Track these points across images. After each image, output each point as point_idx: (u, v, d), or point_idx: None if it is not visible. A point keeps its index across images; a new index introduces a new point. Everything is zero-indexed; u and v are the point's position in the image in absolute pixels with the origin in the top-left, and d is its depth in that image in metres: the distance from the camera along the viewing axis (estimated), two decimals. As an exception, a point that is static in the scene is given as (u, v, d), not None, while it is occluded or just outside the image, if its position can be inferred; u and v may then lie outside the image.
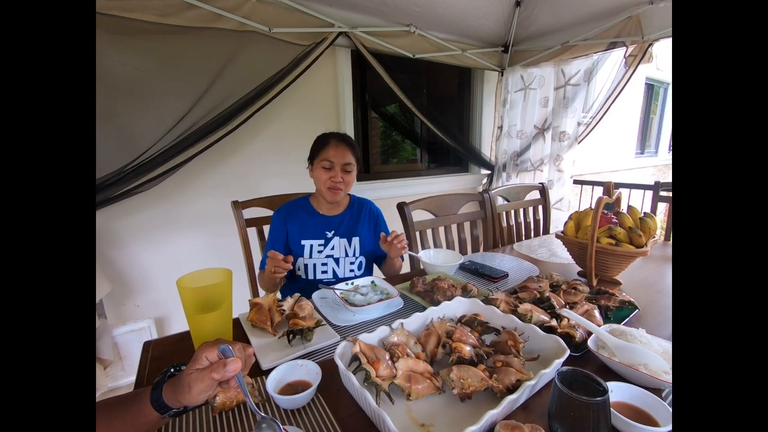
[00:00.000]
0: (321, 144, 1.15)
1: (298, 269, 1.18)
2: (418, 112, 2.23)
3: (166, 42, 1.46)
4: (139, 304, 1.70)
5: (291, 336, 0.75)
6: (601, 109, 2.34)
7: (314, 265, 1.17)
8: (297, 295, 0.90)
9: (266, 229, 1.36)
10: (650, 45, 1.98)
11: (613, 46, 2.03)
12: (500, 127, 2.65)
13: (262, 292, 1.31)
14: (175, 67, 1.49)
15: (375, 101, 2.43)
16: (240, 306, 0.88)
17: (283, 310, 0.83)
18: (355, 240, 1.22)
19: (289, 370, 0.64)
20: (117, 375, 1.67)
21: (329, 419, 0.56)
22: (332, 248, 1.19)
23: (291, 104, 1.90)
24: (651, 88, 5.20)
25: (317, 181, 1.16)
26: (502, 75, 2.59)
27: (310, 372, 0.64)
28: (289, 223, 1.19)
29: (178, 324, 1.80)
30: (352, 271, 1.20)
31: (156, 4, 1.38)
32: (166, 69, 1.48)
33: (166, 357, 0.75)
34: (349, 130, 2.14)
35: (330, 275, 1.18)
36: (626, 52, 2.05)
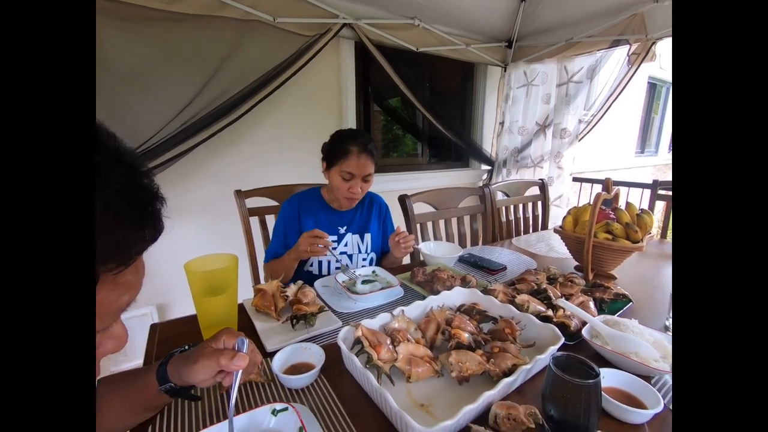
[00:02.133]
0: (341, 151, 1.07)
1: (311, 265, 1.18)
2: (420, 105, 2.23)
3: (171, 30, 1.46)
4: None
5: (295, 321, 0.77)
6: (602, 107, 2.35)
7: (328, 261, 1.17)
8: (300, 282, 0.92)
9: (268, 218, 1.38)
10: (654, 43, 1.98)
11: (616, 43, 2.03)
12: (502, 123, 2.65)
13: (262, 280, 1.34)
14: (179, 55, 1.50)
15: (377, 94, 2.43)
16: (242, 293, 0.90)
17: (287, 296, 0.85)
18: (367, 236, 1.23)
19: (294, 352, 0.66)
20: (119, 360, 1.70)
21: (332, 398, 0.59)
22: (345, 245, 1.19)
23: (294, 94, 1.90)
24: (653, 87, 5.20)
25: (334, 189, 1.12)
26: (504, 71, 2.59)
27: (314, 354, 0.66)
28: (302, 215, 1.17)
29: (180, 310, 1.82)
30: (364, 267, 1.21)
31: (161, -9, 1.38)
32: (170, 57, 1.48)
33: (173, 339, 0.77)
34: (351, 122, 2.14)
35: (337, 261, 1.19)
36: (629, 50, 2.06)
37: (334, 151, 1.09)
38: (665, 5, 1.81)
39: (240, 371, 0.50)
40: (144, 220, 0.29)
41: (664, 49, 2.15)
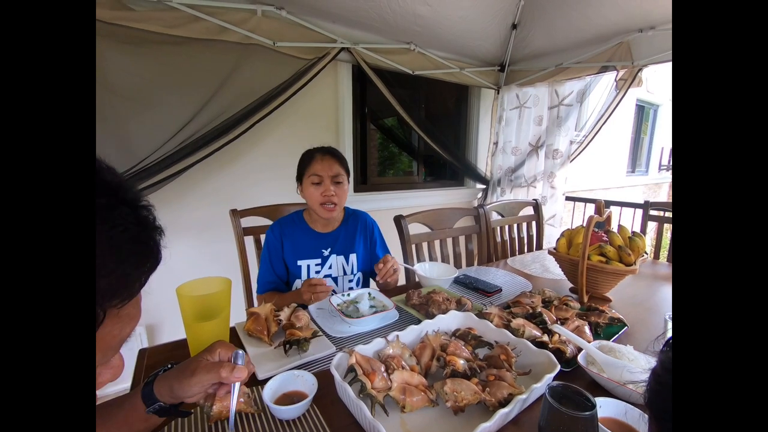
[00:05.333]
0: (306, 160, 1.13)
1: (295, 289, 1.16)
2: (415, 126, 2.28)
3: (172, 52, 1.49)
4: (130, 311, 1.68)
5: (287, 346, 0.76)
6: (592, 129, 2.42)
7: None
8: (293, 305, 0.91)
9: (263, 238, 1.37)
10: (640, 70, 2.06)
11: (604, 69, 2.11)
12: (496, 143, 2.71)
13: (256, 303, 1.32)
14: (179, 77, 1.52)
15: (374, 114, 2.47)
16: (236, 315, 0.88)
17: (280, 320, 0.84)
18: (353, 257, 1.21)
19: (286, 380, 0.65)
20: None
21: (324, 430, 0.57)
22: (330, 267, 1.18)
23: (292, 116, 1.93)
24: (641, 109, 5.37)
25: (309, 199, 1.13)
26: (498, 93, 2.66)
27: (306, 383, 0.64)
28: (284, 240, 1.16)
29: (171, 331, 1.78)
30: (351, 288, 1.19)
31: (164, 16, 1.42)
32: (170, 78, 1.51)
33: (162, 365, 0.75)
34: (348, 141, 2.18)
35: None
36: (617, 75, 2.14)
37: (301, 163, 1.15)
38: (649, 35, 1.90)
39: (239, 384, 0.50)
40: (146, 255, 0.30)
41: (650, 73, 2.23)
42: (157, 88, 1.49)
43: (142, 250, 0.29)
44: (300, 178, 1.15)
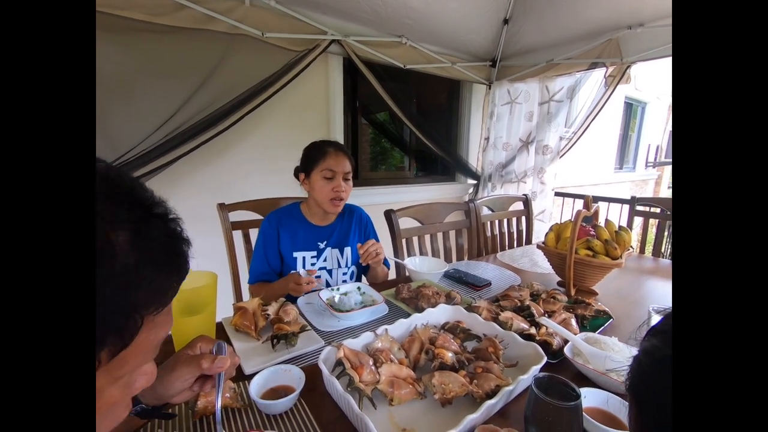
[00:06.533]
0: (318, 153, 1.10)
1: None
2: (407, 120, 2.27)
3: (156, 41, 1.45)
4: (115, 307, 1.64)
5: (275, 341, 0.75)
6: (582, 125, 2.44)
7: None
8: (282, 299, 0.90)
9: (252, 232, 1.35)
10: (628, 67, 2.09)
11: (594, 66, 2.13)
12: (487, 139, 2.72)
13: (246, 297, 1.30)
14: (164, 67, 1.48)
15: (365, 108, 2.45)
16: (223, 310, 0.87)
17: (268, 315, 0.83)
18: (347, 250, 1.21)
19: (273, 375, 0.64)
20: (89, 380, 1.60)
21: (312, 424, 0.57)
22: (325, 260, 1.18)
23: (281, 108, 1.90)
24: (630, 106, 5.45)
25: (318, 193, 1.11)
26: (489, 88, 2.67)
27: (294, 377, 0.64)
28: (281, 231, 1.15)
29: (157, 328, 1.75)
30: (345, 282, 1.20)
31: (147, 3, 1.37)
32: (155, 68, 1.46)
33: (146, 361, 0.74)
34: (339, 136, 2.15)
35: (323, 287, 1.17)
36: (606, 72, 2.16)
37: (311, 156, 1.12)
38: (638, 32, 1.92)
39: (223, 374, 0.50)
40: (178, 265, 0.32)
41: (638, 71, 2.26)
42: (141, 79, 1.44)
43: (175, 260, 0.32)
44: (308, 170, 1.12)
